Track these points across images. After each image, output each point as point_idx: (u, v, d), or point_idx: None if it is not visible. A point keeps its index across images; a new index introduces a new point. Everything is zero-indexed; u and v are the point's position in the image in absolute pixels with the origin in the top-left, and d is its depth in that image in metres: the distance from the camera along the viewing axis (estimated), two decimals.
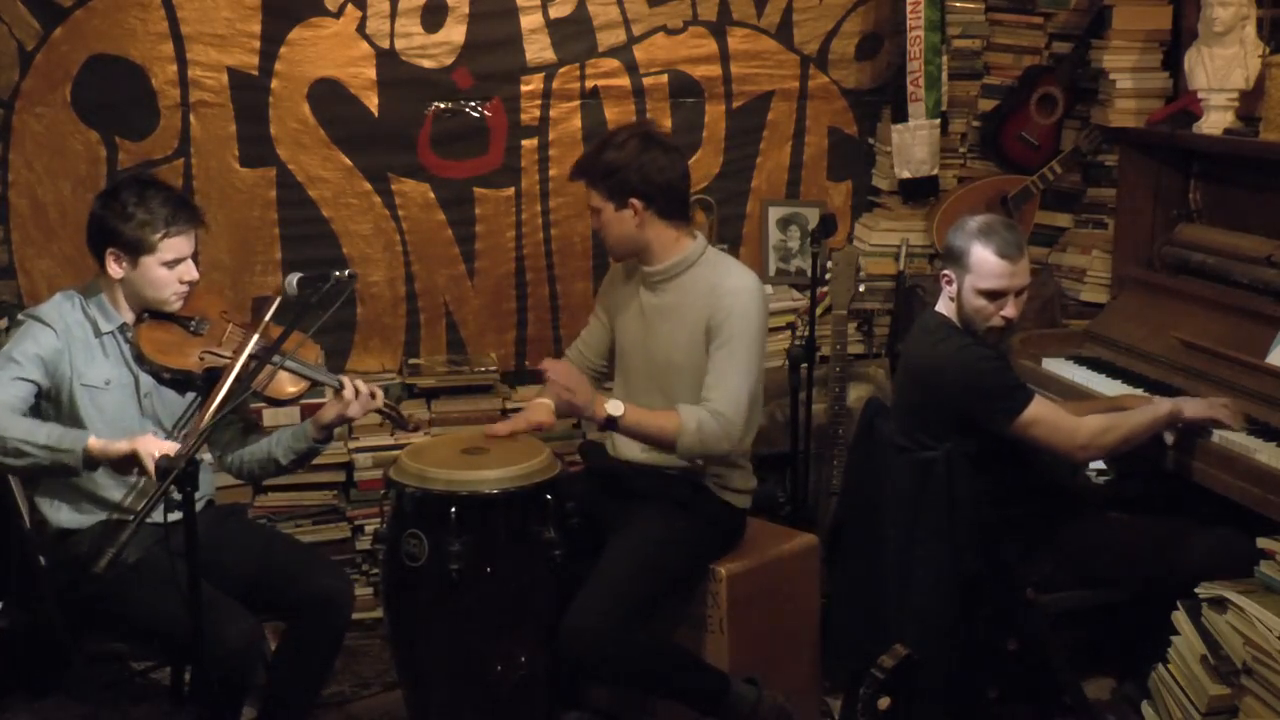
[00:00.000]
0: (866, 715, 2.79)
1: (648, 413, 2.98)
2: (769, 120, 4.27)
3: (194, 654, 2.48)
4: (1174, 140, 3.75)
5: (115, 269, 2.78)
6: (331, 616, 2.89)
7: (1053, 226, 4.35)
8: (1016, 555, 2.98)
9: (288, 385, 2.89)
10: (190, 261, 2.82)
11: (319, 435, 2.94)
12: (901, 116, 4.12)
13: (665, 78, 4.14)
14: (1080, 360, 3.67)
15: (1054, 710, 3.17)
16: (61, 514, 2.80)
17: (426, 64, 3.93)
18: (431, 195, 4.02)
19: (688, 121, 4.18)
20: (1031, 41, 4.28)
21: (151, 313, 2.85)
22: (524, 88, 4.01)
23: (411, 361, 4.05)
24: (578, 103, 4.08)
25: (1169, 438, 3.02)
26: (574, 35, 4.03)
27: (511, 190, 4.08)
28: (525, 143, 4.05)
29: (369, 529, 3.85)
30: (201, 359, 2.83)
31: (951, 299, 3.02)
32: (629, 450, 3.16)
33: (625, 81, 4.10)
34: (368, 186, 3.96)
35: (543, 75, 4.02)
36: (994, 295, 2.94)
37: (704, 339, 3.01)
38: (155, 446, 2.53)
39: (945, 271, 3.03)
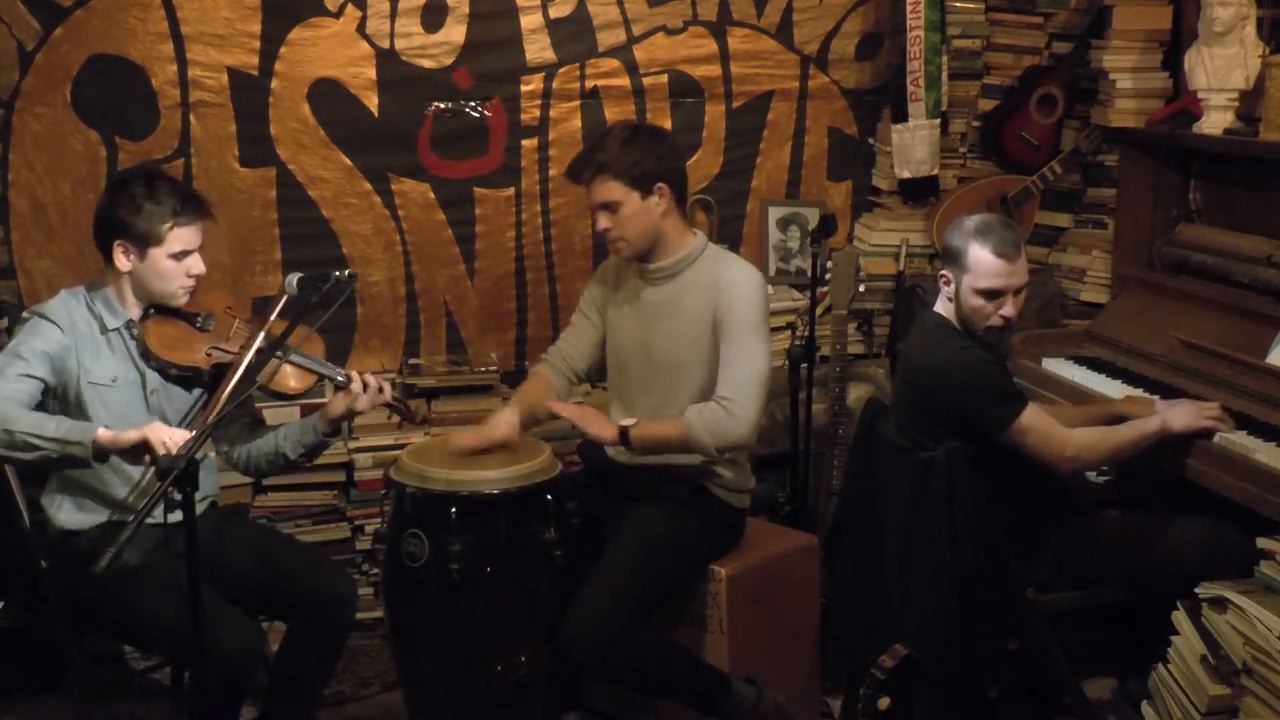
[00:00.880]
0: (866, 715, 2.79)
1: (652, 421, 3.01)
2: (769, 120, 4.27)
3: (193, 658, 2.48)
4: (1174, 140, 3.74)
5: (123, 262, 2.78)
6: (335, 618, 2.89)
7: (1053, 226, 4.35)
8: (1016, 555, 2.98)
9: (294, 379, 2.90)
10: (197, 255, 2.82)
11: (327, 429, 2.95)
12: (901, 116, 4.13)
13: (665, 78, 4.14)
14: (1080, 360, 3.67)
15: (1054, 710, 3.17)
16: (64, 514, 2.80)
17: (426, 64, 3.93)
18: (431, 195, 4.02)
19: (688, 121, 4.19)
20: (1031, 41, 4.28)
21: (157, 309, 2.84)
22: (524, 88, 4.02)
23: (411, 361, 4.05)
24: (578, 103, 4.08)
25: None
26: (574, 35, 4.03)
27: (511, 190, 4.08)
28: (525, 143, 4.06)
29: (369, 529, 3.85)
30: (209, 354, 2.83)
31: (950, 299, 3.02)
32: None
33: (625, 81, 4.10)
34: (368, 186, 3.96)
35: (543, 75, 4.02)
36: (992, 295, 2.94)
37: (709, 334, 3.02)
38: (166, 434, 2.51)
39: (943, 272, 3.03)
